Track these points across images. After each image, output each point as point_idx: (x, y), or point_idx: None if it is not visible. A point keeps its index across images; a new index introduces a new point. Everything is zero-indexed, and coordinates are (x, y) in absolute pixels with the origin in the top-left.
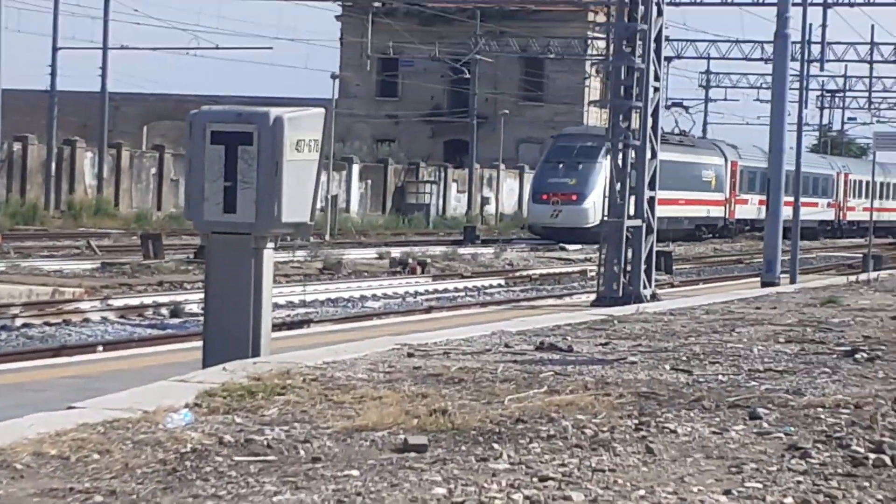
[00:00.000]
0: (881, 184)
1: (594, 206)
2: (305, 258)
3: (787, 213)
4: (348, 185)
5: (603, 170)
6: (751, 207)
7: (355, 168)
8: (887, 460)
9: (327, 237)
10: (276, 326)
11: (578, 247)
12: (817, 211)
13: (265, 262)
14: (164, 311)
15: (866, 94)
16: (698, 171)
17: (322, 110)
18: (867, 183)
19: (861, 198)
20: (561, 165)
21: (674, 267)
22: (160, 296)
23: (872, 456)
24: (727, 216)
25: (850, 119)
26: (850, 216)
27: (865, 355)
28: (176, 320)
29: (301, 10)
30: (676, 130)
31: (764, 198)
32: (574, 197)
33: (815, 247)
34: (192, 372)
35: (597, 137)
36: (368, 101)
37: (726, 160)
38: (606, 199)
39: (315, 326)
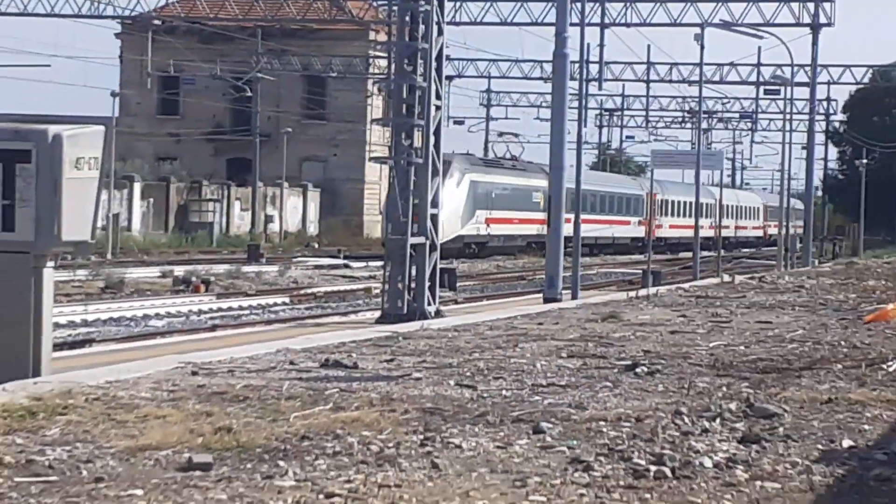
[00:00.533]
0: (684, 203)
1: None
2: (87, 277)
3: (600, 231)
4: (130, 204)
5: (446, 191)
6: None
7: (137, 186)
8: (668, 472)
9: (109, 256)
10: (58, 346)
11: (363, 264)
12: (629, 229)
13: (45, 280)
14: None
15: (643, 112)
16: (529, 193)
17: (102, 128)
18: (673, 202)
19: (668, 216)
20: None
21: (458, 284)
22: None
23: (653, 468)
24: None
25: (628, 137)
26: (659, 233)
27: (646, 369)
28: None
29: (79, 28)
30: (508, 155)
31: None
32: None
33: (596, 263)
34: None
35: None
36: (149, 119)
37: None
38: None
39: (97, 346)
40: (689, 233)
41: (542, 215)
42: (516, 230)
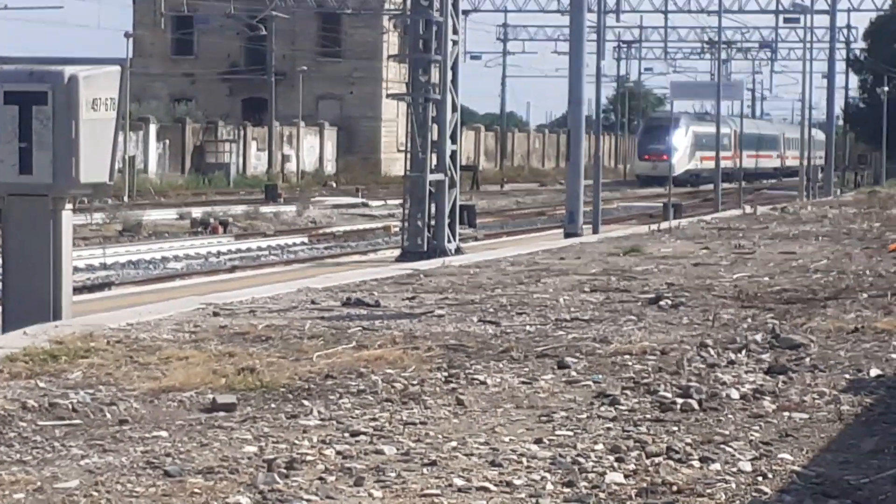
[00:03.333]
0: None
1: (677, 162)
2: (104, 220)
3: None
4: (146, 146)
5: (677, 137)
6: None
7: (152, 128)
8: (694, 404)
9: (126, 199)
10: (77, 290)
11: (382, 203)
12: (770, 161)
13: (64, 223)
14: None
15: (662, 44)
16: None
17: (118, 68)
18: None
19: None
20: (654, 137)
21: (477, 220)
22: None
23: (680, 401)
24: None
25: (646, 69)
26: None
27: (670, 302)
28: None
29: None
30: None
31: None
32: (664, 157)
33: (616, 197)
34: None
35: (669, 119)
36: (164, 59)
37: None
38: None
39: (117, 289)
40: (764, 163)
41: (729, 153)
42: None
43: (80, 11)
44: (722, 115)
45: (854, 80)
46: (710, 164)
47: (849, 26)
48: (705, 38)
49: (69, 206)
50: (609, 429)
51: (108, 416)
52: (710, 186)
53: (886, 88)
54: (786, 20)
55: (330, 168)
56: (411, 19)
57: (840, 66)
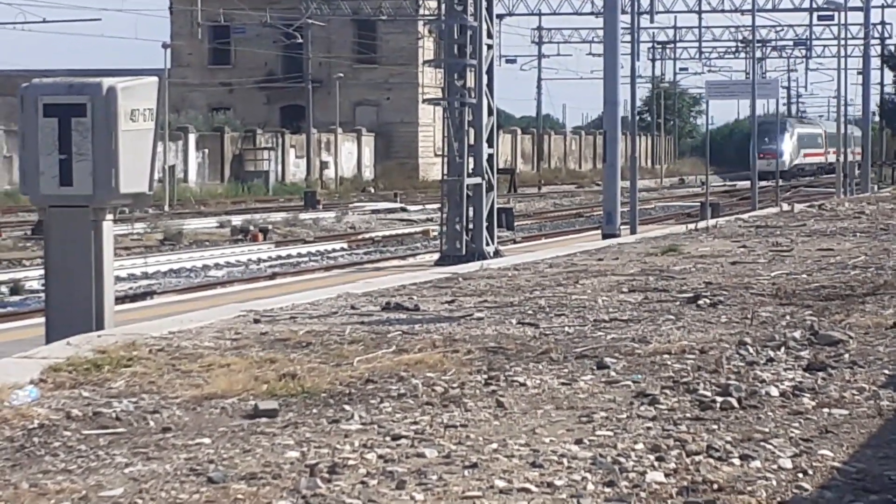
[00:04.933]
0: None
1: (788, 159)
2: (145, 230)
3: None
4: (185, 155)
5: (786, 138)
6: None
7: (191, 137)
8: (734, 402)
9: (166, 208)
10: (119, 299)
11: (420, 207)
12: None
13: (105, 233)
14: (3, 289)
15: (696, 44)
16: (816, 137)
17: (155, 79)
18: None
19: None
20: (766, 138)
21: (515, 223)
22: None
23: (719, 399)
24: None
25: (681, 69)
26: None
27: (708, 301)
28: (16, 297)
29: None
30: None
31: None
32: (775, 154)
33: (654, 197)
34: (35, 348)
35: (776, 123)
36: (201, 69)
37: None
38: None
39: (158, 298)
40: (819, 159)
41: (821, 150)
42: (813, 160)
43: (118, 23)
44: (812, 117)
45: (889, 75)
46: (812, 160)
47: (883, 22)
48: (739, 38)
49: (110, 216)
50: (649, 428)
51: (152, 423)
52: (764, 183)
53: None
54: (820, 17)
55: (368, 174)
56: (446, 24)
57: (875, 62)
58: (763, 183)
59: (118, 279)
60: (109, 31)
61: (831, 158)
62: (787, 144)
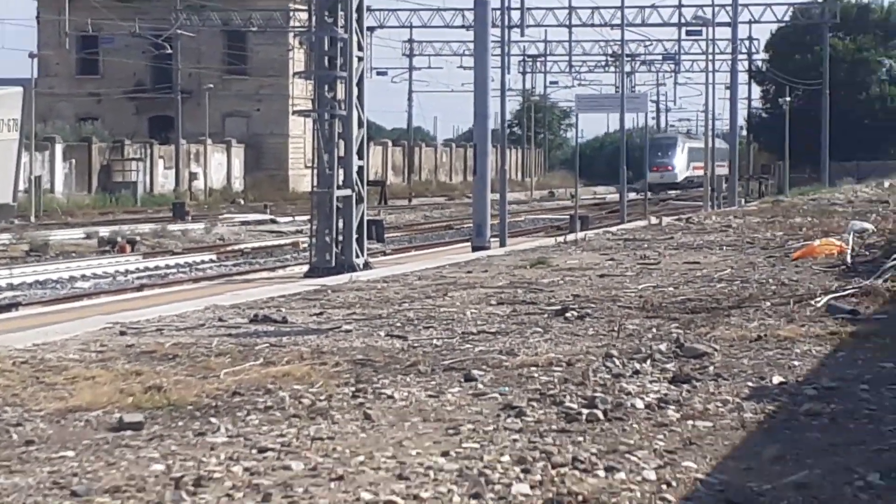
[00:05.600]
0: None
1: (679, 172)
2: (11, 241)
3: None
4: (52, 165)
5: (678, 152)
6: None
7: (59, 147)
8: (600, 414)
9: (33, 219)
10: None
11: (290, 219)
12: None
13: None
14: None
15: (567, 57)
16: (701, 151)
17: (20, 89)
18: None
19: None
20: (659, 153)
21: (385, 235)
22: None
23: (585, 411)
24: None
25: (552, 83)
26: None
27: (576, 313)
28: None
29: None
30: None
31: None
32: (669, 168)
33: (524, 210)
34: None
35: (671, 136)
36: (69, 79)
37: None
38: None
39: (24, 309)
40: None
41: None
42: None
43: None
44: (699, 133)
45: (757, 90)
46: (701, 172)
47: (750, 38)
48: (609, 52)
49: None
50: (515, 440)
51: (15, 437)
52: (616, 198)
53: (788, 99)
54: (688, 32)
55: (238, 185)
56: (316, 36)
57: (742, 77)
58: (632, 196)
59: None
60: None
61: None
62: (679, 159)
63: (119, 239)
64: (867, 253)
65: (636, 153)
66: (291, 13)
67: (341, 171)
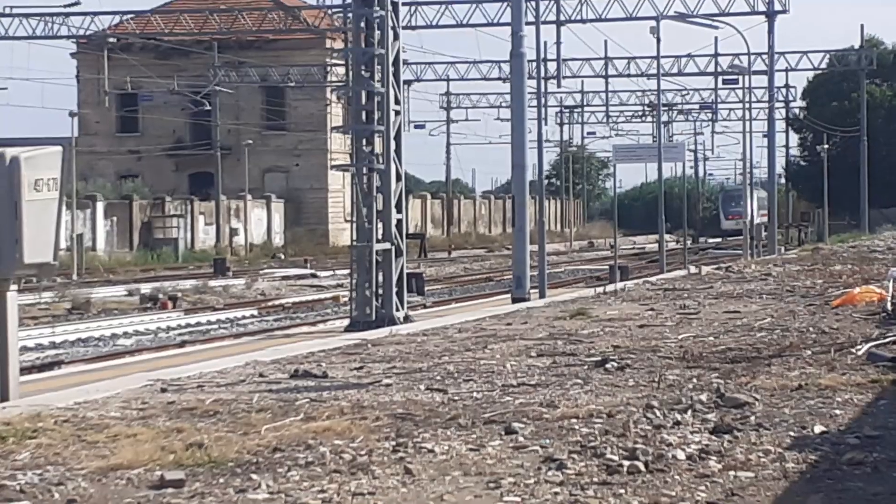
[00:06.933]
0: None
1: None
2: (53, 299)
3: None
4: (94, 223)
5: (749, 201)
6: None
7: (100, 205)
8: (641, 466)
9: (74, 276)
10: (26, 370)
11: (331, 273)
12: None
13: (9, 304)
14: None
15: (603, 108)
16: None
17: (59, 148)
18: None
19: None
20: (732, 202)
21: (426, 288)
22: None
23: (626, 463)
24: None
25: (589, 133)
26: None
27: (616, 364)
28: None
29: (34, 49)
30: None
31: None
32: (742, 216)
33: (563, 261)
34: None
35: (740, 189)
36: (109, 137)
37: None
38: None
39: (66, 368)
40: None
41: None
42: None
43: (24, 92)
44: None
45: (794, 138)
46: (766, 219)
47: (787, 86)
48: (646, 102)
49: (14, 287)
50: (556, 493)
51: (57, 496)
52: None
53: (826, 146)
54: (725, 81)
55: (278, 240)
56: (353, 91)
57: (780, 124)
58: (589, 255)
59: (25, 349)
60: (16, 100)
61: None
62: (753, 207)
63: (160, 295)
64: None
65: (675, 203)
66: (329, 68)
67: (380, 225)
